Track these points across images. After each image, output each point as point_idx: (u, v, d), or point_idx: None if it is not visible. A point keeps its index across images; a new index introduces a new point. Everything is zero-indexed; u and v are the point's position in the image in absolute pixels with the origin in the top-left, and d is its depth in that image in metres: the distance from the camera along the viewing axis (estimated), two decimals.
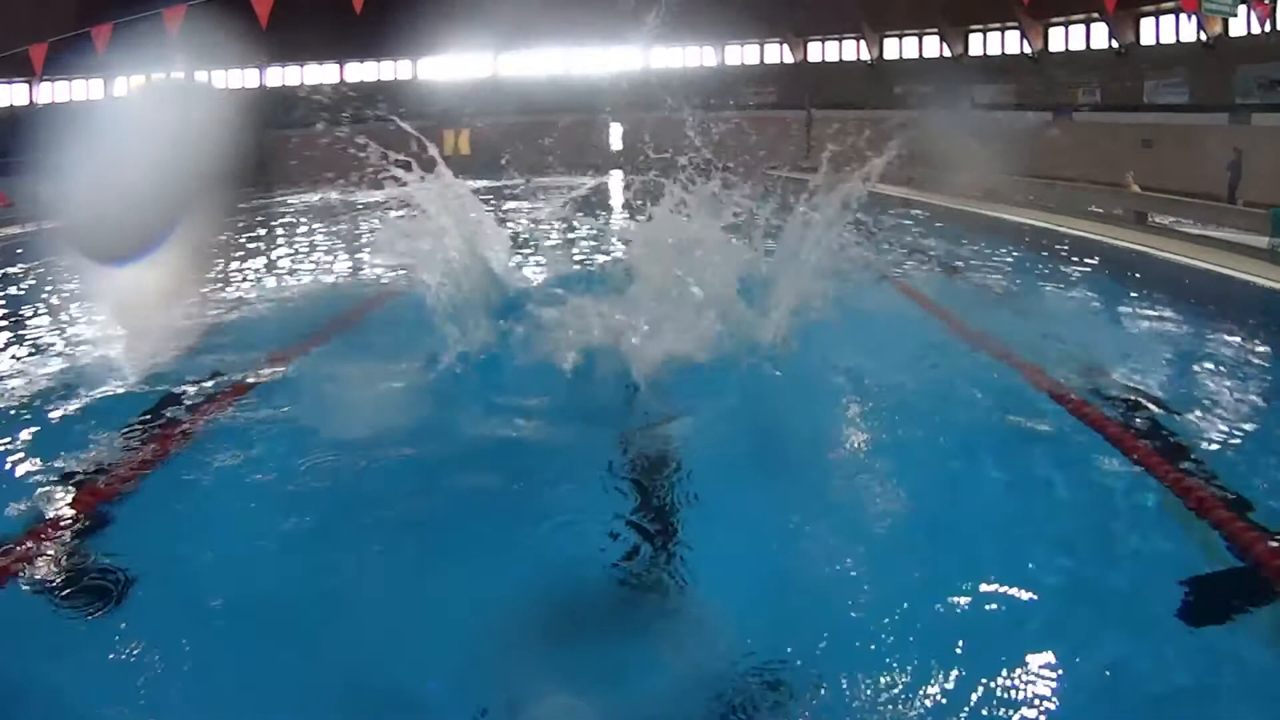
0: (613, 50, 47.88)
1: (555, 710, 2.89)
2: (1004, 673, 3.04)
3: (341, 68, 49.43)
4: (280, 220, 21.46)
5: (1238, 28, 29.36)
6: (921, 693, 2.95)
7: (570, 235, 13.62)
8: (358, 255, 14.15)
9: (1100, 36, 35.95)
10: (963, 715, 2.86)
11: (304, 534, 4.06)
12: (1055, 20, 37.92)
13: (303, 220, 21.43)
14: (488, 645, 3.25)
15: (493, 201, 25.79)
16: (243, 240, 16.18)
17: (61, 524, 3.97)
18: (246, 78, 45.34)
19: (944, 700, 2.91)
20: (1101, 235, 14.95)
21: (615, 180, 36.61)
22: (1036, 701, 2.91)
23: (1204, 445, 4.89)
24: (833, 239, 6.76)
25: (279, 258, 14.35)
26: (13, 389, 6.31)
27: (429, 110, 47.26)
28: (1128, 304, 9.27)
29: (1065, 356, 6.74)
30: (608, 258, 11.50)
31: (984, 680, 2.99)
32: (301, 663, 3.15)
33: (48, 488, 4.45)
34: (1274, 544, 3.62)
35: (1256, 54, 28.31)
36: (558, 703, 2.91)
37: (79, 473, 4.53)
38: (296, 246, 16.08)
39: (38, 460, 4.88)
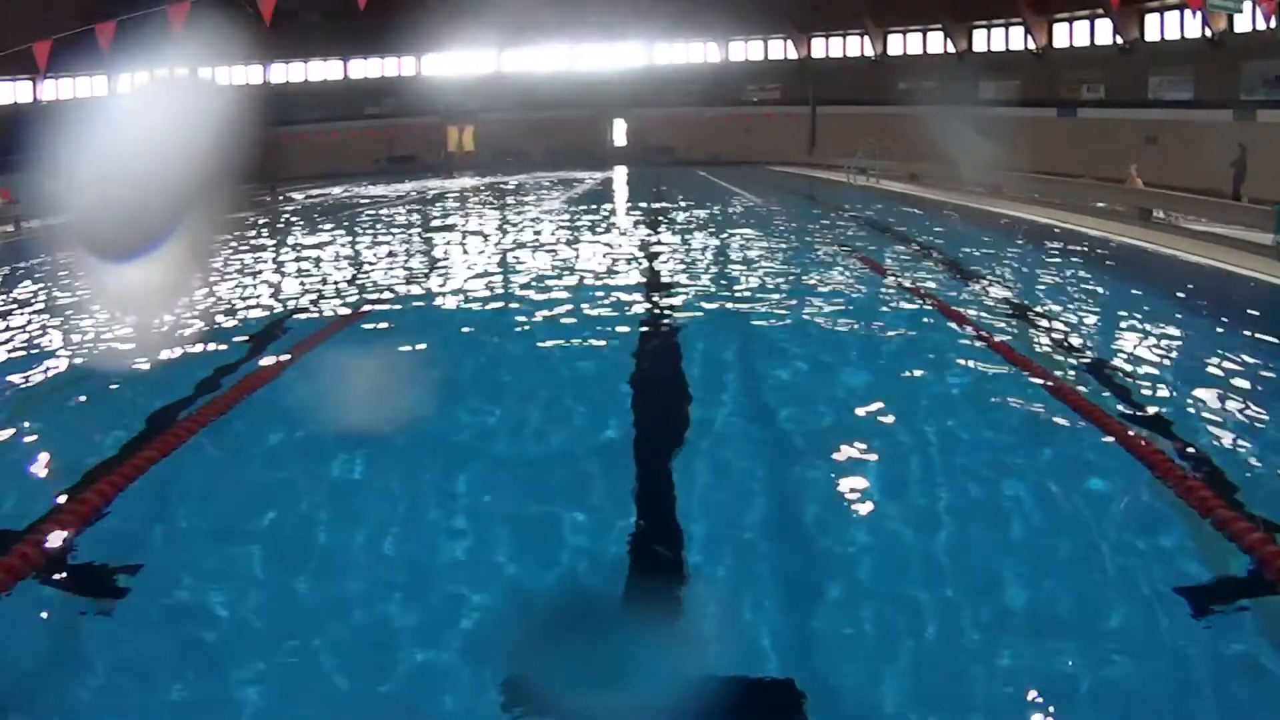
0: (617, 46, 47.81)
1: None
2: (1004, 669, 3.05)
3: (345, 64, 49.40)
4: (292, 219, 21.49)
5: (1243, 24, 29.27)
6: (919, 684, 2.96)
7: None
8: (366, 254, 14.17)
9: (1104, 32, 35.85)
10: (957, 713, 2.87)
11: (312, 528, 4.07)
12: (1059, 16, 37.82)
13: (311, 219, 21.45)
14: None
15: (498, 197, 25.83)
16: (252, 239, 16.21)
17: (67, 519, 3.98)
18: (250, 74, 45.34)
19: (936, 697, 2.93)
20: (1105, 232, 14.94)
21: (619, 175, 36.70)
22: (1036, 699, 2.92)
23: (1208, 442, 4.88)
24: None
25: (285, 256, 14.37)
26: (15, 386, 6.32)
27: (433, 107, 47.28)
28: (1130, 301, 9.25)
29: (1064, 350, 6.75)
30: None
31: (981, 678, 3.01)
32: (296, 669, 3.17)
33: (52, 485, 4.47)
34: (1274, 546, 3.61)
35: (1262, 50, 28.22)
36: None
37: (84, 469, 4.54)
38: (302, 245, 16.09)
39: (41, 457, 4.90)
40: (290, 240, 16.71)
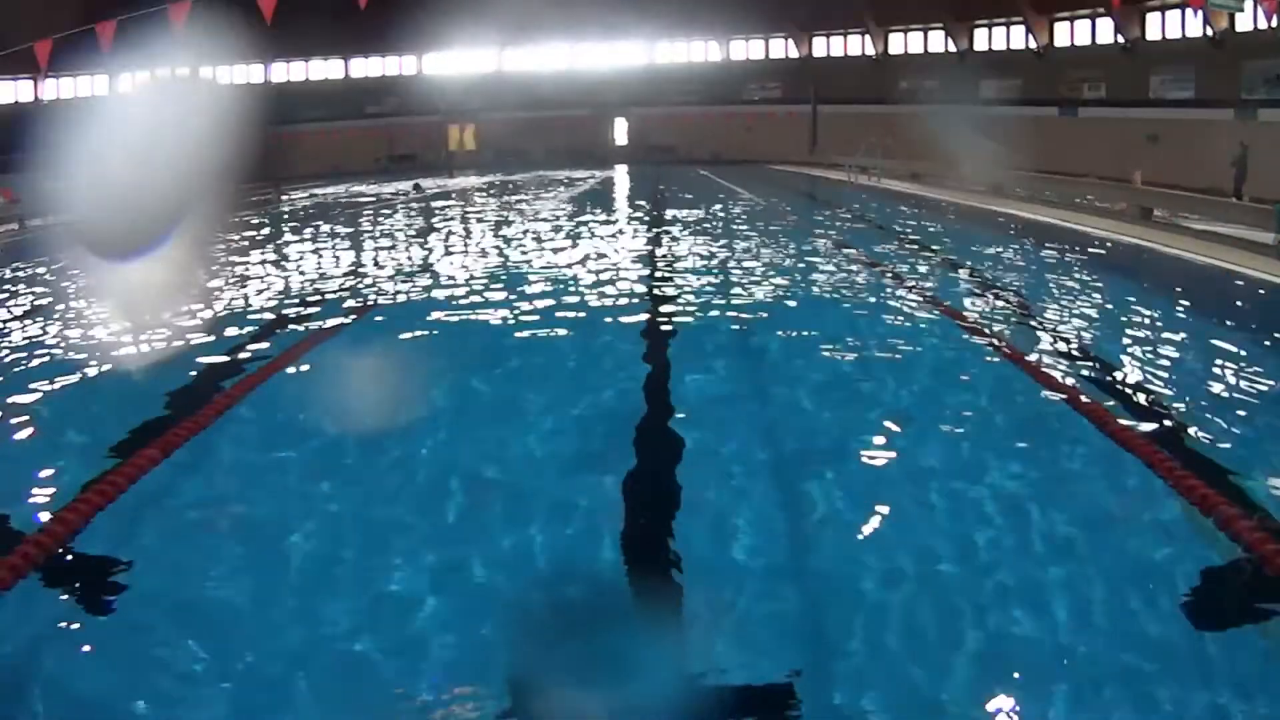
0: (618, 45, 47.79)
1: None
2: (1004, 668, 3.06)
3: (346, 63, 49.41)
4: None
5: (1244, 23, 29.26)
6: (918, 684, 2.97)
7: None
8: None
9: (1106, 31, 35.85)
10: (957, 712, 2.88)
11: (323, 523, 4.08)
12: (1061, 15, 37.82)
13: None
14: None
15: (499, 196, 25.83)
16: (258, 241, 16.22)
17: (68, 518, 3.98)
18: (251, 73, 45.35)
19: (934, 695, 2.93)
20: (1106, 231, 14.93)
21: (620, 174, 36.72)
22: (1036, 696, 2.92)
23: (1208, 440, 4.88)
24: None
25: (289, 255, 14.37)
26: (16, 384, 6.32)
27: (435, 105, 47.29)
28: (1131, 300, 9.25)
29: (1064, 348, 6.75)
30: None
31: (976, 677, 3.01)
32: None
33: (53, 483, 4.48)
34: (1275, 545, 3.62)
35: (1263, 50, 28.21)
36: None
37: (85, 468, 4.54)
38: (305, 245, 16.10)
39: (43, 456, 4.91)
40: (292, 239, 16.73)
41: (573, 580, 3.72)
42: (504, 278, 10.54)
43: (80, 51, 29.27)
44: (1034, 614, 3.33)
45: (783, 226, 16.55)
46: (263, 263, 13.14)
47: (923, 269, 11.17)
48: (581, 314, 8.29)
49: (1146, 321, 8.15)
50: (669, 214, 18.55)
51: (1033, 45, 38.85)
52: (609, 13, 42.82)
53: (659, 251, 12.48)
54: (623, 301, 8.84)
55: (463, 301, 9.05)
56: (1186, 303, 9.23)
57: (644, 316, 8.19)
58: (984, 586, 3.51)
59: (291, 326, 8.14)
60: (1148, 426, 5.04)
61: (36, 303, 9.75)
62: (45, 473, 4.66)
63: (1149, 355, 6.91)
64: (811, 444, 5.00)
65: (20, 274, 12.41)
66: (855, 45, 45.95)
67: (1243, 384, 6.06)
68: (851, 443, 4.93)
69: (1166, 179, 21.42)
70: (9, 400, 5.86)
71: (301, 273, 11.87)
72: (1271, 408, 5.66)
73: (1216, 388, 5.93)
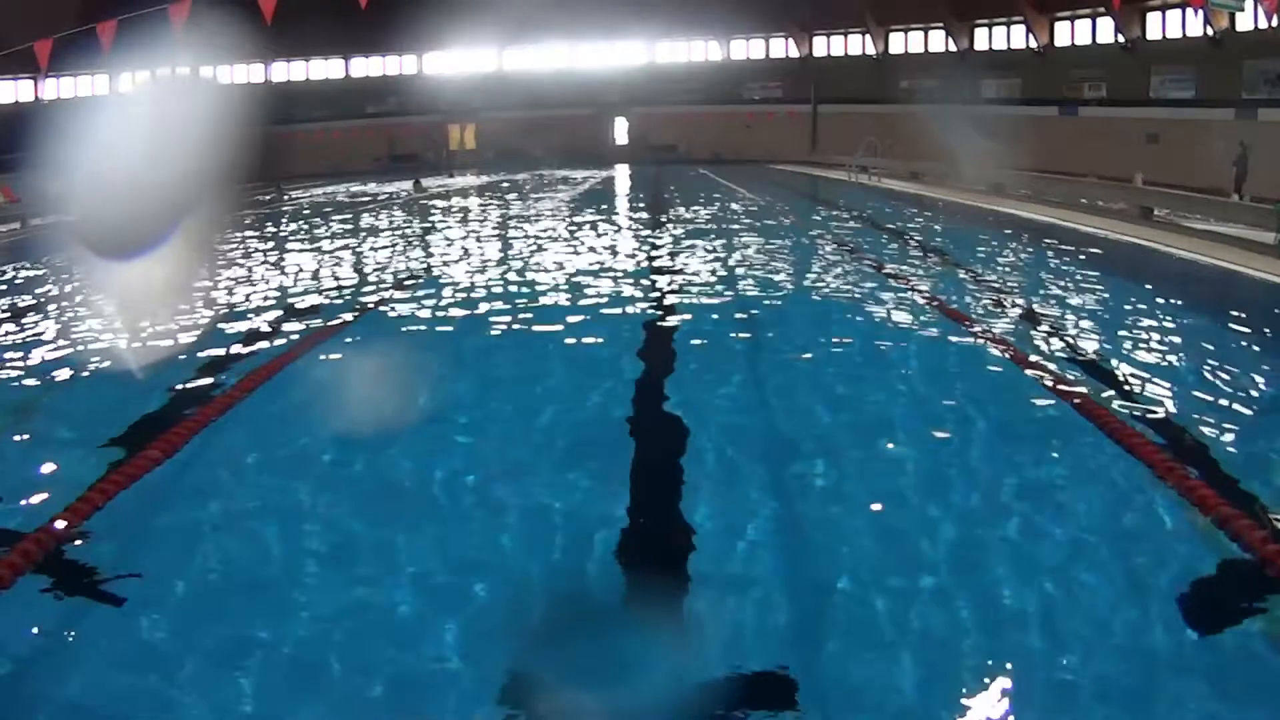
0: (618, 45, 47.78)
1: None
2: (1002, 670, 3.06)
3: (347, 63, 49.40)
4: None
5: (1244, 23, 29.26)
6: (915, 683, 2.97)
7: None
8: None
9: (1106, 31, 35.84)
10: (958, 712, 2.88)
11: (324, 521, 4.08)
12: (1061, 14, 37.82)
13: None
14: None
15: (499, 196, 25.82)
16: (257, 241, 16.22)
17: (68, 518, 3.98)
18: (251, 73, 45.35)
19: (933, 697, 2.93)
20: (1106, 230, 14.93)
21: (620, 174, 36.73)
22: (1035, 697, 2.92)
23: (1208, 440, 4.88)
24: None
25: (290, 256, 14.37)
26: (17, 383, 6.33)
27: (435, 105, 47.30)
28: (1131, 299, 9.25)
29: (1064, 348, 6.75)
30: None
31: (980, 679, 3.01)
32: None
33: (54, 482, 4.48)
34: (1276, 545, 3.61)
35: (1264, 49, 28.20)
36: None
37: (85, 468, 4.54)
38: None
39: (43, 455, 4.91)
40: (292, 239, 16.73)
41: (570, 579, 3.72)
42: (504, 277, 10.55)
43: (80, 51, 29.25)
44: (1031, 614, 3.33)
45: (782, 226, 16.55)
46: (263, 262, 13.14)
47: (922, 268, 11.16)
48: (581, 313, 8.29)
49: (1147, 321, 8.15)
50: (669, 214, 18.55)
51: (1033, 45, 38.84)
52: (609, 13, 42.81)
53: (659, 251, 12.47)
54: (622, 300, 8.84)
55: (463, 300, 9.05)
56: (1187, 302, 9.22)
57: (644, 315, 8.19)
58: (981, 586, 3.51)
59: (292, 325, 8.15)
60: (1147, 426, 5.04)
61: (37, 302, 9.75)
62: (46, 471, 4.66)
63: (1149, 355, 6.91)
64: (809, 442, 4.99)
65: (21, 273, 12.41)
66: (855, 45, 45.94)
67: (1243, 384, 6.06)
68: (849, 441, 4.93)
69: (1167, 179, 21.42)
70: (10, 399, 5.87)
71: (302, 272, 11.87)
72: (1272, 408, 5.66)
73: (1216, 387, 5.93)
